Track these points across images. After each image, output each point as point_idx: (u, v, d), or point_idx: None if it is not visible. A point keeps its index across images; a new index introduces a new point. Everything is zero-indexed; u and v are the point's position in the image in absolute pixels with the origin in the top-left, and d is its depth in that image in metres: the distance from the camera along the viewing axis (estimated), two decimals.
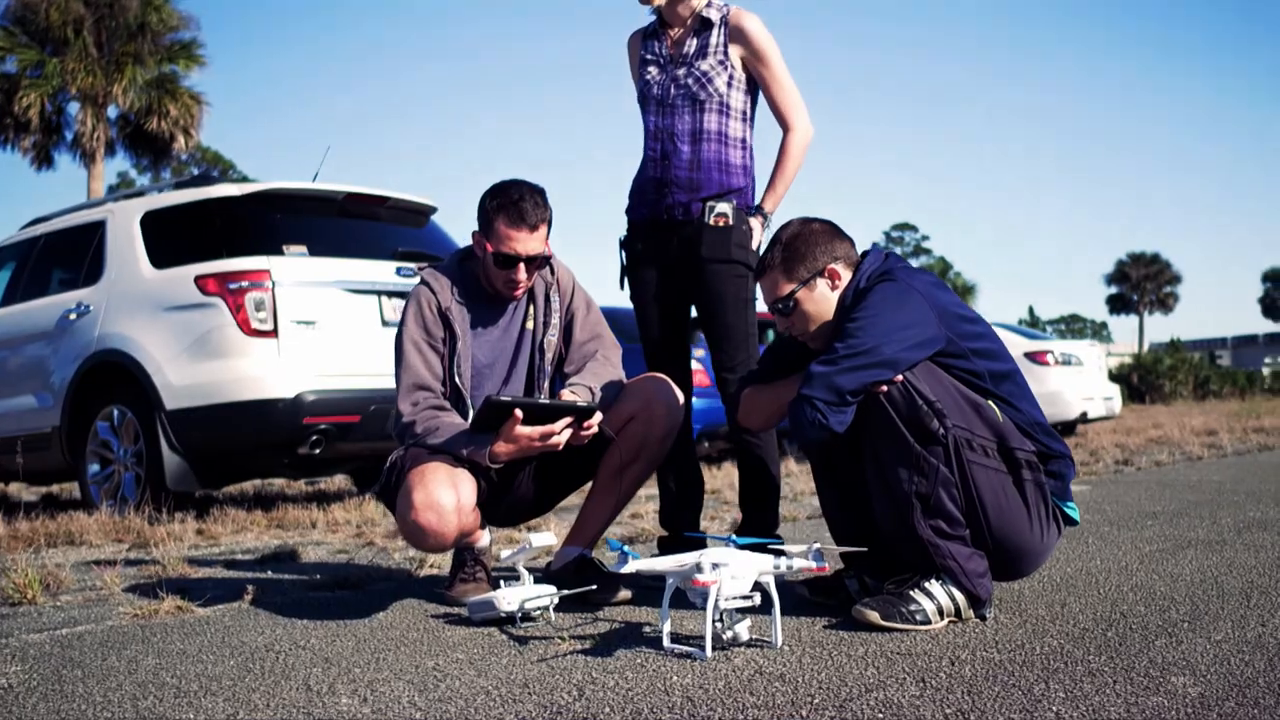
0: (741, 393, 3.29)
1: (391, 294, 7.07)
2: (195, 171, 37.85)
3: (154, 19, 24.76)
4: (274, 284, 6.57)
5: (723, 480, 7.96)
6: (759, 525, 3.70)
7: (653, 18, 3.86)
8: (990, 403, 2.98)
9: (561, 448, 3.25)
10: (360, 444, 6.99)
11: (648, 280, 3.78)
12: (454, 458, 3.26)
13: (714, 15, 3.74)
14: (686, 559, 2.71)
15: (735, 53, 3.72)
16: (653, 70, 3.77)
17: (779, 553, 2.76)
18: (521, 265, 3.38)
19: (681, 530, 3.79)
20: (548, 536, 3.17)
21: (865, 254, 3.17)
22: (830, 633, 2.85)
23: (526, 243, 3.36)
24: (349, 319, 6.84)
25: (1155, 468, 8.47)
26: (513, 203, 3.36)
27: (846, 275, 3.11)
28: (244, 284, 6.57)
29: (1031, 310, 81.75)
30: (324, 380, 6.67)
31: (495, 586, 3.45)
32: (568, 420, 3.21)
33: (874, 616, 2.86)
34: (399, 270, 7.11)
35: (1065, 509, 3.05)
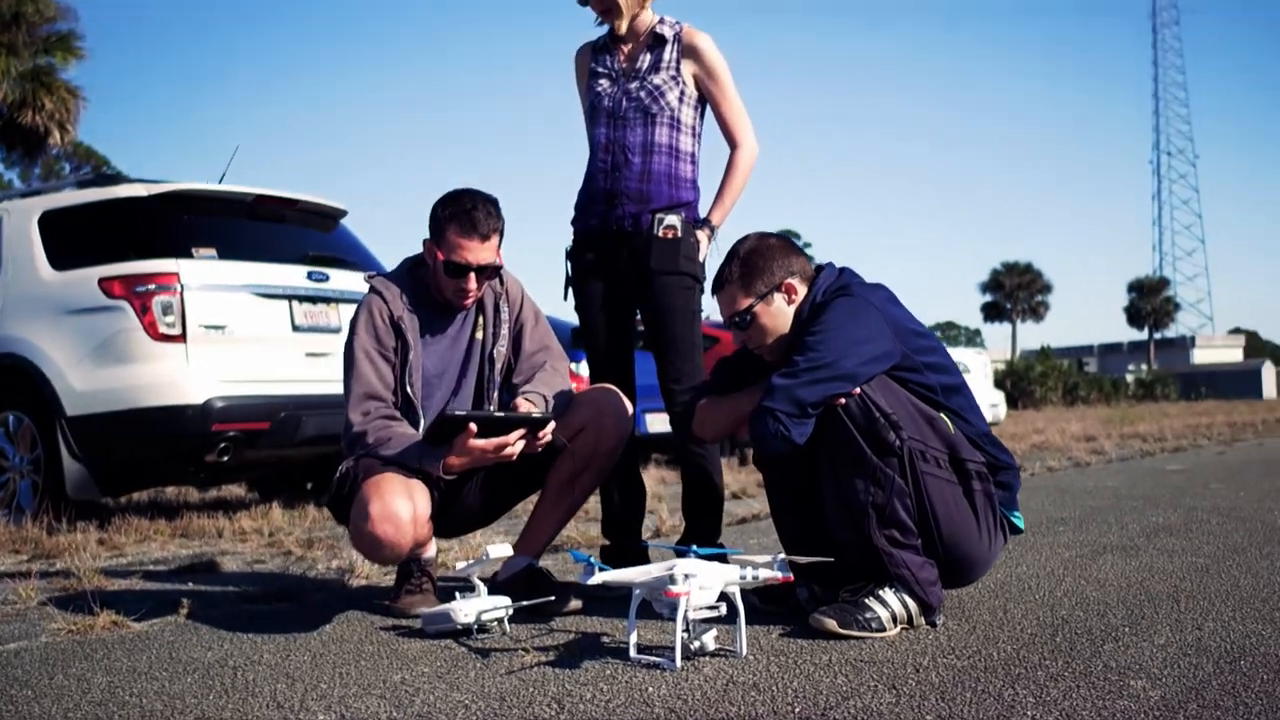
0: (696, 404, 3.33)
1: (303, 299, 6.96)
2: (68, 167, 36.65)
3: (29, 9, 23.90)
4: (182, 287, 6.42)
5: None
6: (703, 534, 3.74)
7: (603, 31, 3.88)
8: (942, 415, 3.07)
9: (515, 458, 3.26)
10: (269, 451, 6.87)
11: (595, 291, 3.79)
12: (407, 469, 3.24)
13: (667, 31, 3.78)
14: (654, 569, 2.73)
15: (687, 69, 3.76)
16: (604, 83, 3.79)
17: (744, 563, 2.80)
18: (473, 275, 3.38)
19: (624, 540, 3.82)
20: (504, 548, 3.17)
21: (820, 269, 3.23)
22: (789, 641, 2.90)
23: (478, 252, 3.36)
24: (260, 324, 6.72)
25: (1049, 474, 8.75)
26: (464, 211, 3.36)
27: (802, 290, 3.18)
28: (151, 287, 6.41)
29: None
30: (233, 386, 6.54)
31: (441, 598, 3.44)
32: (521, 431, 3.22)
33: (832, 624, 2.92)
34: (310, 274, 7.01)
35: (1011, 518, 3.15)
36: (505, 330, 3.55)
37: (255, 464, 7.14)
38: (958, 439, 3.05)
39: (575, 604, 3.38)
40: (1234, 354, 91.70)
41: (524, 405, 3.33)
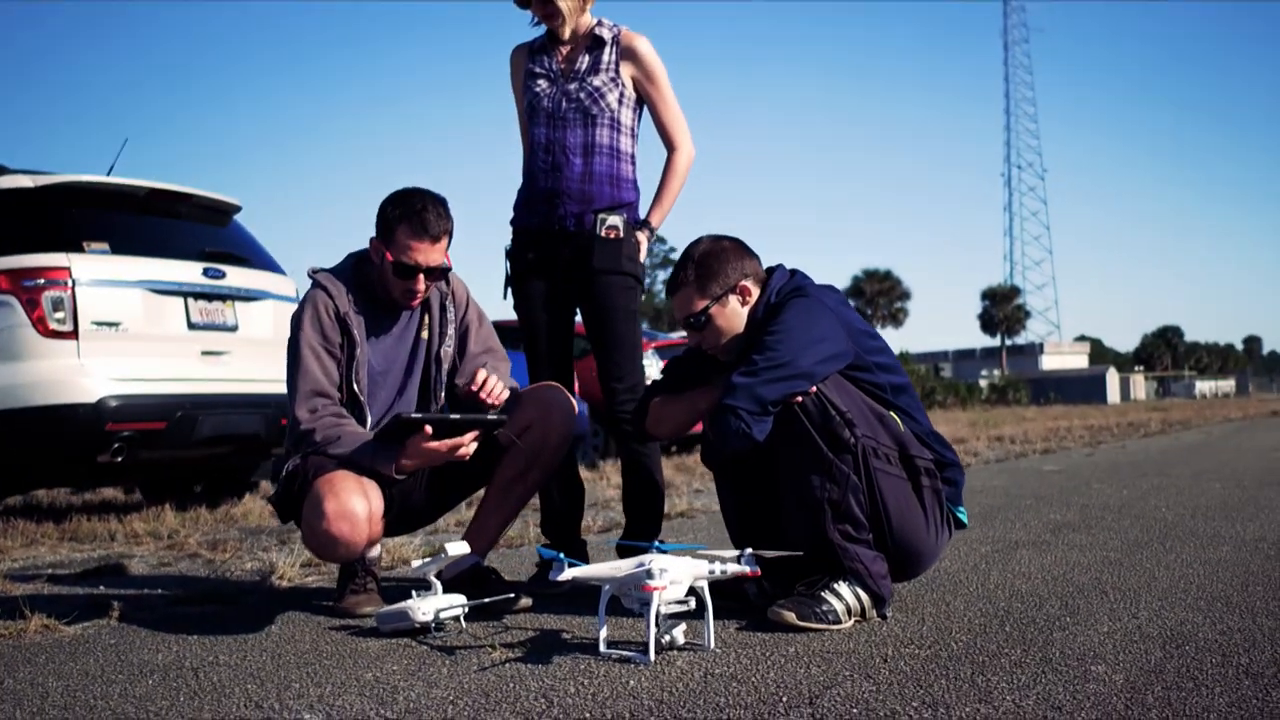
0: (649, 402, 3.37)
1: (199, 295, 6.80)
2: None
3: None
4: (74, 282, 6.22)
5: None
6: (644, 530, 3.78)
7: (538, 31, 3.89)
8: (892, 413, 3.16)
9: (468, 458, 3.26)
10: (165, 452, 6.69)
11: (536, 290, 3.80)
12: (357, 468, 3.20)
13: (606, 34, 3.80)
14: (623, 565, 2.76)
15: (626, 71, 3.79)
16: (542, 84, 3.80)
17: (712, 558, 2.85)
18: (422, 276, 3.35)
19: (564, 538, 3.83)
20: (462, 545, 3.16)
21: (771, 270, 3.30)
22: (749, 634, 2.96)
23: (428, 254, 3.34)
24: (154, 321, 6.54)
25: None
26: (415, 212, 3.33)
27: (756, 291, 3.24)
28: (40, 281, 6.19)
29: None
30: (128, 385, 6.35)
31: (386, 598, 3.41)
32: (475, 433, 3.22)
33: (790, 617, 2.98)
34: (206, 271, 6.85)
35: (956, 513, 3.26)
36: (451, 330, 3.53)
37: (149, 465, 6.93)
38: (907, 436, 3.15)
39: (526, 602, 3.38)
40: (1079, 360, 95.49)
41: (482, 375, 3.35)
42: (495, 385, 3.37)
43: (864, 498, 3.05)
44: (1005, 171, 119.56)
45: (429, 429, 3.13)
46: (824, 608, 3.01)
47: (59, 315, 6.17)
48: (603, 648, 2.76)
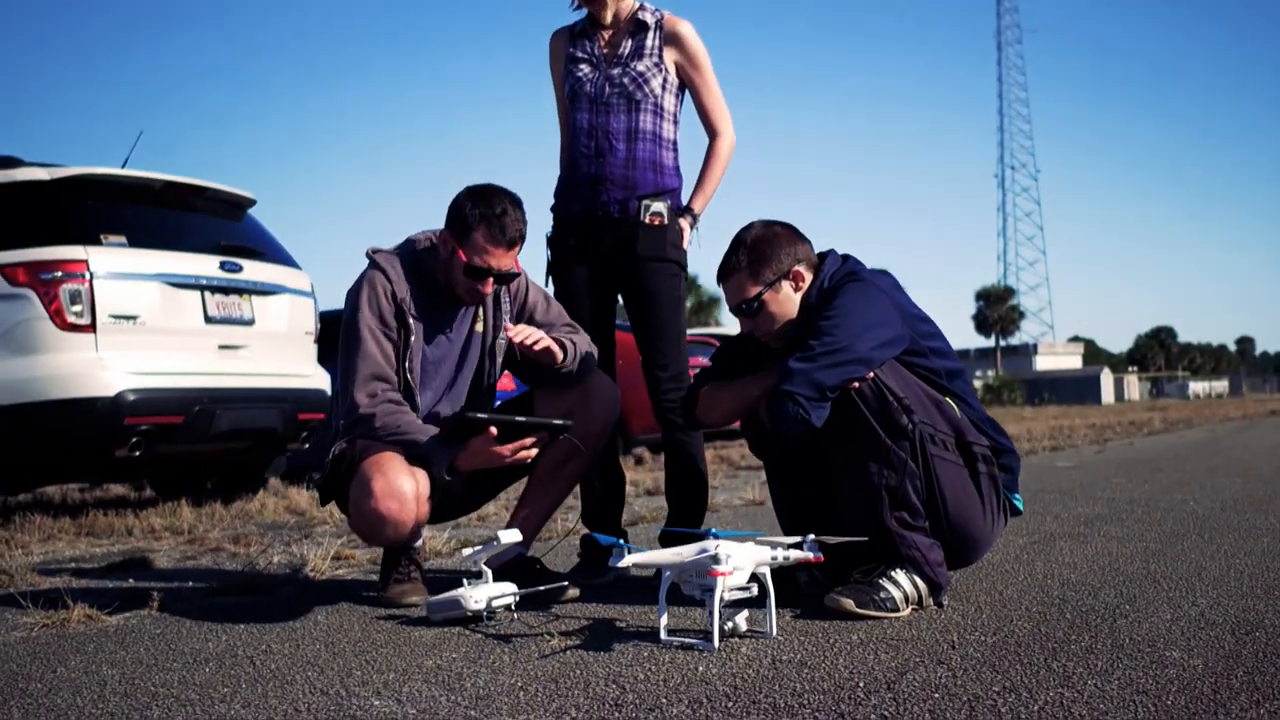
0: (699, 390, 3.32)
1: (216, 289, 6.75)
2: None
3: None
4: (91, 275, 6.17)
5: None
6: (687, 518, 3.74)
7: (578, 16, 3.85)
8: (948, 399, 3.13)
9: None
10: (182, 446, 6.65)
11: (579, 276, 3.76)
12: (410, 460, 3.16)
13: (649, 18, 3.76)
14: (684, 552, 2.72)
15: (670, 56, 3.75)
16: (584, 68, 3.76)
17: (773, 544, 2.81)
18: (491, 279, 3.31)
19: (604, 528, 3.79)
20: (514, 534, 3.12)
21: (823, 256, 3.26)
22: (808, 622, 2.92)
23: (502, 259, 3.30)
24: (172, 315, 6.49)
25: None
26: (495, 216, 3.26)
27: (809, 277, 3.20)
28: (58, 274, 6.14)
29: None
30: (146, 379, 6.30)
31: (431, 587, 3.37)
32: (539, 437, 3.18)
33: (849, 604, 2.95)
34: (224, 265, 6.81)
35: (1012, 500, 3.23)
36: (507, 321, 3.48)
37: (164, 460, 6.88)
38: (963, 423, 3.12)
39: (574, 591, 3.34)
40: (1073, 361, 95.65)
41: (544, 343, 3.31)
42: (531, 335, 3.31)
43: (921, 484, 3.01)
44: (999, 172, 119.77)
45: (494, 430, 3.09)
46: (882, 595, 2.97)
47: (77, 308, 6.12)
48: (663, 635, 2.73)
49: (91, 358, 6.15)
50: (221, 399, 6.64)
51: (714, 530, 2.88)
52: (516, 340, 3.31)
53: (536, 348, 3.30)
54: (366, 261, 3.40)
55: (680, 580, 2.74)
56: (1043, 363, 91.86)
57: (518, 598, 3.09)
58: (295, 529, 5.90)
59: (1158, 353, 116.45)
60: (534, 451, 3.17)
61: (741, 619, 2.73)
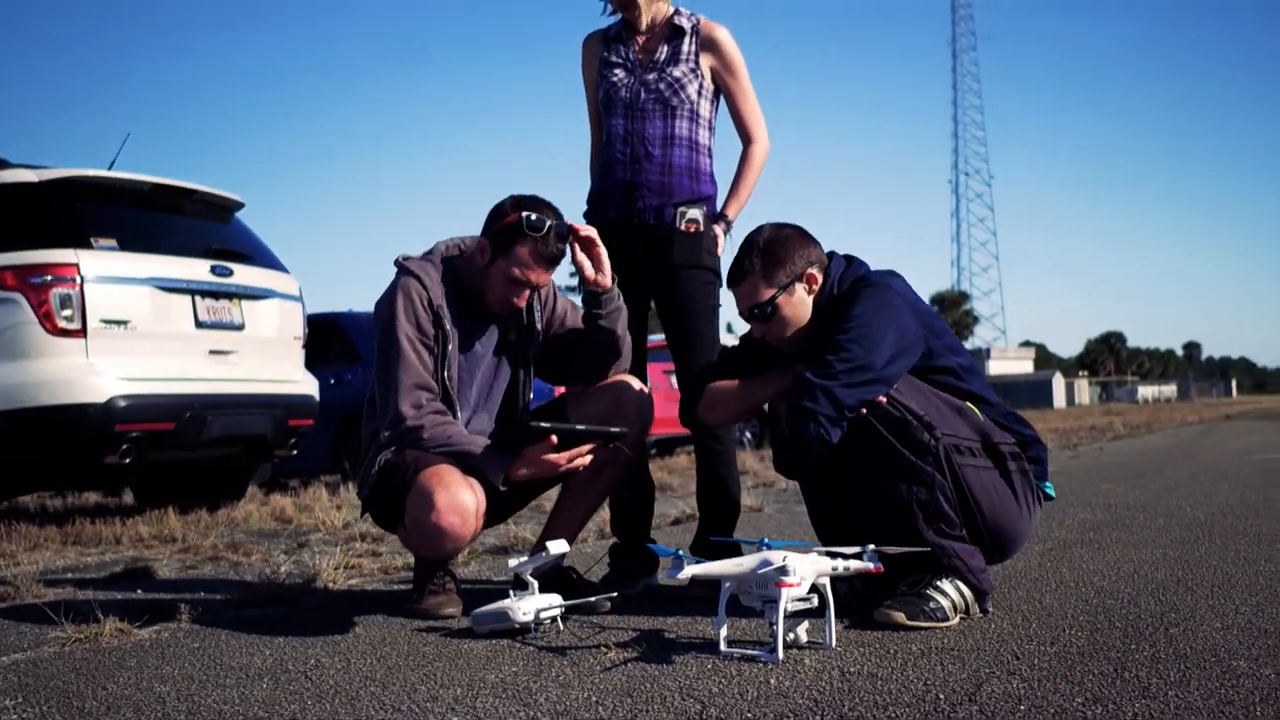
0: (703, 387, 3.29)
1: (206, 294, 6.66)
2: None
3: None
4: (82, 279, 6.07)
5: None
6: (719, 525, 3.72)
7: (612, 20, 3.82)
8: (968, 403, 3.13)
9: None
10: (173, 453, 6.55)
11: None
12: (463, 470, 3.12)
13: (685, 23, 3.74)
14: (745, 562, 2.70)
15: (705, 62, 3.73)
16: (619, 73, 3.73)
17: (833, 554, 2.80)
18: (529, 292, 3.29)
19: (634, 537, 3.75)
20: (561, 544, 3.08)
21: (829, 257, 3.25)
22: (860, 633, 2.90)
23: (542, 275, 3.28)
24: (163, 319, 6.40)
25: None
26: (543, 235, 3.24)
27: (820, 279, 3.19)
28: (48, 278, 6.04)
29: None
30: (137, 385, 6.21)
31: (466, 599, 3.34)
32: (594, 444, 3.16)
33: (900, 617, 2.94)
34: (214, 269, 6.72)
35: (1044, 489, 3.23)
36: (538, 329, 3.46)
37: (156, 466, 6.77)
38: (987, 425, 3.12)
39: (607, 604, 3.31)
40: (1025, 365, 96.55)
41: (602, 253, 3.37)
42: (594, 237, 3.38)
43: (952, 494, 3.00)
44: (953, 178, 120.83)
45: (554, 439, 3.06)
46: (931, 605, 2.97)
47: (67, 313, 6.02)
48: (723, 646, 2.71)
49: (82, 363, 6.05)
50: (213, 405, 6.56)
51: (767, 540, 2.87)
52: (583, 234, 3.36)
53: (595, 250, 3.38)
54: (396, 269, 3.35)
55: (739, 591, 2.72)
56: (995, 367, 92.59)
57: (563, 610, 3.06)
58: (287, 537, 5.83)
59: (1108, 357, 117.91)
60: (588, 460, 3.14)
61: (802, 630, 2.72)
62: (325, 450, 10.00)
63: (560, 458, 3.09)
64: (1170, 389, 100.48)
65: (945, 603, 2.98)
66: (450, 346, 3.28)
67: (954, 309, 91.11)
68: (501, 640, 2.96)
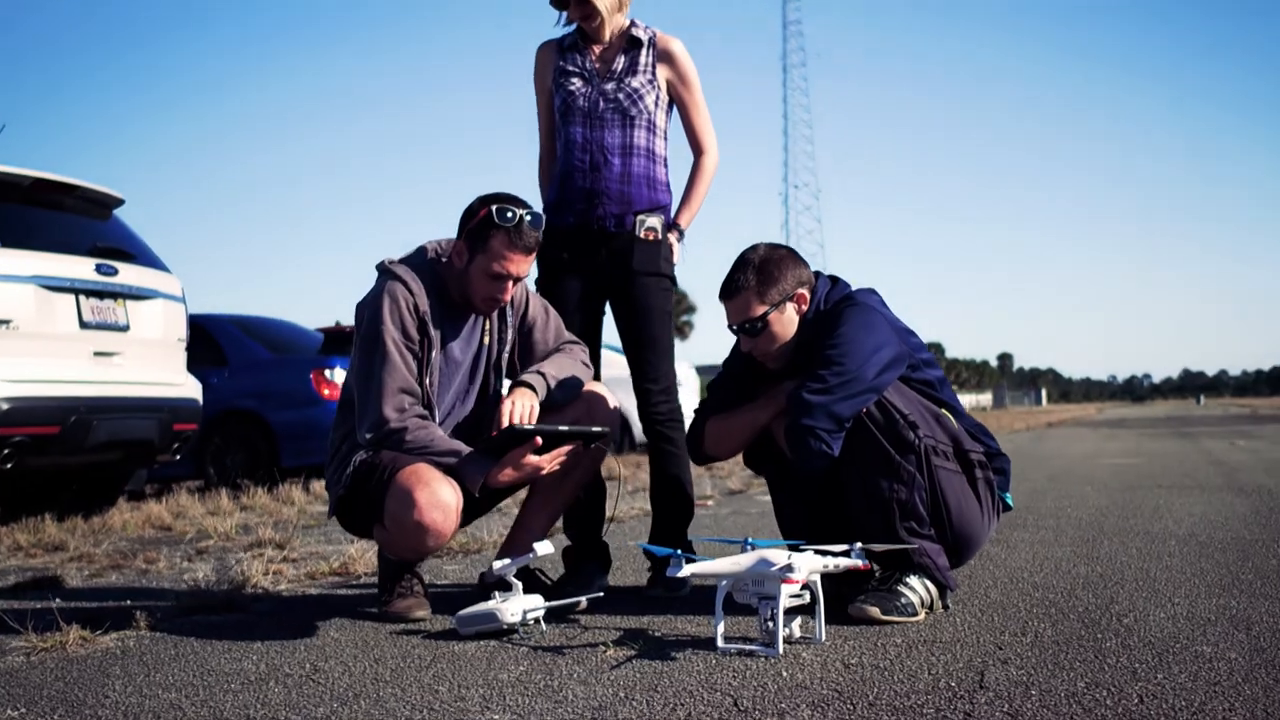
0: (704, 425, 3.40)
1: (90, 293, 6.42)
2: None
3: None
4: None
5: None
6: (672, 526, 3.79)
7: (567, 30, 3.87)
8: (944, 411, 3.30)
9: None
10: (57, 458, 6.30)
11: (570, 290, 3.77)
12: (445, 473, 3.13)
13: (642, 35, 3.81)
14: (742, 561, 2.79)
15: (662, 74, 3.81)
16: (576, 82, 3.78)
17: (823, 553, 2.91)
18: (510, 283, 3.31)
19: (585, 538, 3.80)
20: (547, 545, 3.12)
21: (815, 276, 3.39)
22: (839, 628, 3.02)
23: (521, 265, 3.30)
24: (46, 319, 6.14)
25: None
26: (515, 225, 3.26)
27: (808, 299, 3.32)
28: None
29: None
30: (20, 387, 5.96)
31: (430, 600, 3.35)
32: (573, 445, 3.20)
33: (875, 612, 3.07)
34: (99, 267, 6.48)
35: (1004, 499, 3.42)
36: (510, 334, 3.48)
37: (37, 472, 6.50)
38: (960, 432, 3.29)
39: (584, 603, 3.36)
40: None
41: (505, 408, 3.26)
42: (515, 410, 3.26)
43: (926, 494, 3.16)
44: (783, 190, 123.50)
45: (539, 441, 3.10)
46: (902, 601, 3.11)
47: None
48: (720, 642, 2.79)
49: None
50: (98, 408, 6.33)
51: (750, 540, 2.96)
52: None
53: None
54: (379, 273, 3.34)
55: (734, 589, 2.81)
56: None
57: (544, 610, 3.10)
58: (187, 543, 5.68)
59: None
60: (565, 460, 3.20)
61: (795, 626, 2.82)
62: (187, 456, 9.70)
63: (543, 460, 3.14)
64: (986, 397, 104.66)
65: (914, 599, 3.13)
66: (434, 352, 3.29)
67: None
68: (489, 642, 2.98)
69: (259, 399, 9.77)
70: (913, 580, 3.16)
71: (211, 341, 9.98)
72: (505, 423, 3.21)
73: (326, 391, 9.73)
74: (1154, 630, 2.89)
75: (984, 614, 3.18)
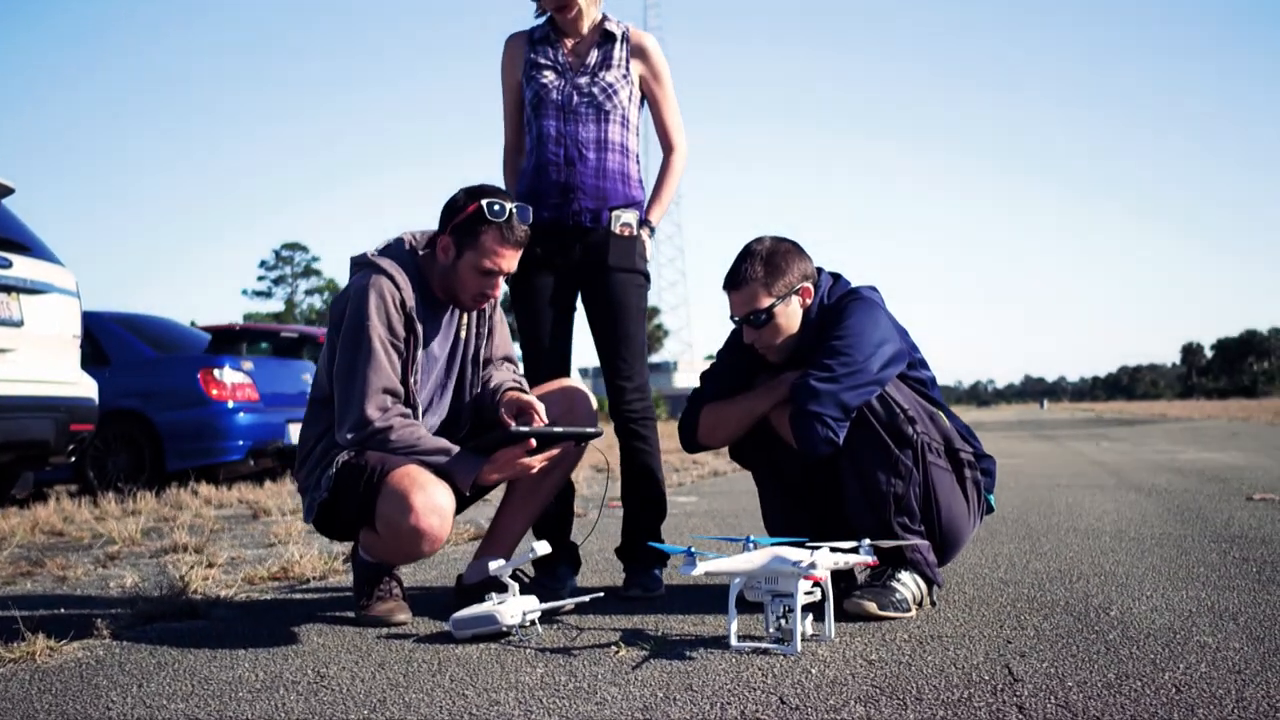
0: (699, 412, 3.37)
1: None
2: None
3: None
4: None
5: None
6: (645, 525, 3.73)
7: (538, 22, 3.80)
8: (937, 410, 3.33)
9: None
10: None
11: (543, 285, 3.69)
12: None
13: (615, 29, 3.76)
14: (754, 559, 2.76)
15: (636, 69, 3.76)
16: (549, 75, 3.70)
17: (832, 548, 2.90)
18: (500, 279, 3.22)
19: (554, 540, 3.73)
20: (544, 545, 3.04)
21: (818, 271, 3.39)
22: (839, 624, 3.01)
23: (512, 260, 3.21)
24: None
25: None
26: (506, 220, 3.17)
27: (812, 292, 3.32)
28: None
29: None
30: None
31: (409, 602, 3.25)
32: (564, 445, 3.14)
33: (872, 607, 3.08)
34: None
35: (989, 499, 3.46)
36: (486, 329, 3.39)
37: None
38: (951, 431, 3.32)
39: (570, 604, 3.29)
40: None
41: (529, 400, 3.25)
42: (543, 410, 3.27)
43: (919, 490, 3.19)
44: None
45: (533, 442, 3.02)
46: (897, 597, 3.12)
47: None
48: (734, 641, 2.76)
49: None
50: None
51: (752, 537, 2.93)
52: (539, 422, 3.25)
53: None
54: (362, 266, 3.22)
55: (746, 587, 2.79)
56: (681, 379, 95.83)
57: (540, 611, 3.02)
58: (75, 550, 5.42)
59: None
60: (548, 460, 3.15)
61: (808, 622, 2.81)
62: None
63: (533, 460, 3.08)
64: None
65: (907, 594, 3.15)
66: (419, 350, 3.18)
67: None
68: (488, 645, 2.89)
69: (143, 399, 9.39)
70: (905, 576, 3.18)
71: (92, 339, 9.56)
72: (513, 425, 3.18)
73: (215, 391, 9.41)
74: (1146, 623, 2.95)
75: (971, 609, 3.21)
